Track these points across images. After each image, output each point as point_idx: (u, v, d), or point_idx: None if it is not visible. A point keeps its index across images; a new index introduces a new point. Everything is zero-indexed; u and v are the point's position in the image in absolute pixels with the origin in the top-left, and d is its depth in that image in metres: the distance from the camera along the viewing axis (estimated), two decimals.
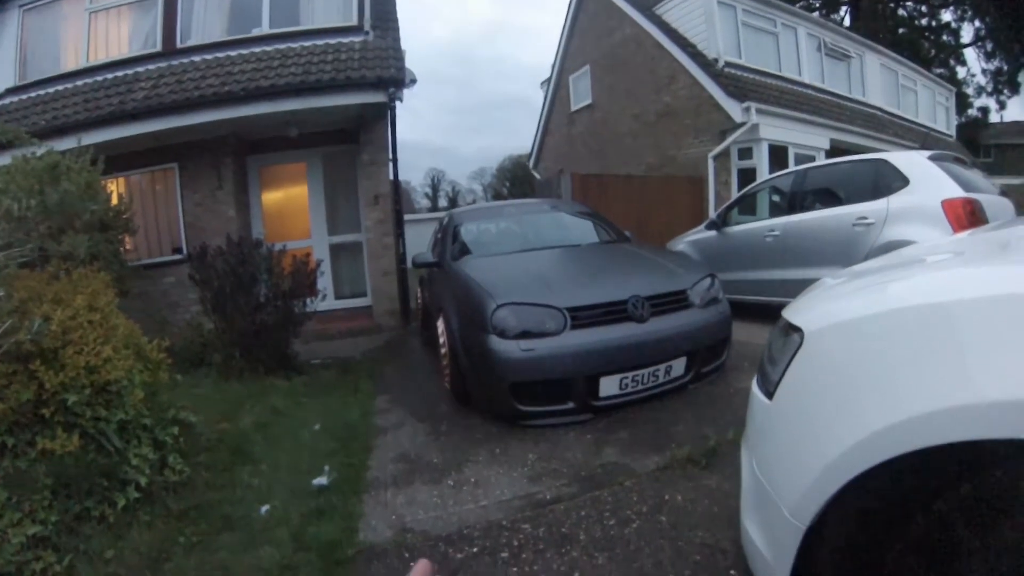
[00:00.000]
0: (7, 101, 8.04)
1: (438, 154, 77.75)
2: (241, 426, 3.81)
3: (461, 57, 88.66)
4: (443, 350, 4.32)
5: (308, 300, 5.43)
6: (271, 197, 8.73)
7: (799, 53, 12.27)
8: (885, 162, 5.15)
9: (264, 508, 2.77)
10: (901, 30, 25.21)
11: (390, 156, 7.84)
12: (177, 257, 7.51)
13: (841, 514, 1.15)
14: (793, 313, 1.47)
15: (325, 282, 6.07)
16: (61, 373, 2.69)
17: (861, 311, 1.26)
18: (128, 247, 6.54)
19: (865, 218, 4.97)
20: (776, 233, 5.87)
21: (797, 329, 1.37)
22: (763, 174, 9.34)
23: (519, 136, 73.59)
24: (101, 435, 2.77)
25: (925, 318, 1.06)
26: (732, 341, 4.12)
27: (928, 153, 5.26)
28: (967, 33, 25.50)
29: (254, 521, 2.67)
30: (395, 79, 7.05)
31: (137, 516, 2.70)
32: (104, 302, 3.13)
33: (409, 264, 6.85)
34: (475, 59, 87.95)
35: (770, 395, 1.43)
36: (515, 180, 36.50)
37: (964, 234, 2.23)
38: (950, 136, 17.97)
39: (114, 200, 6.31)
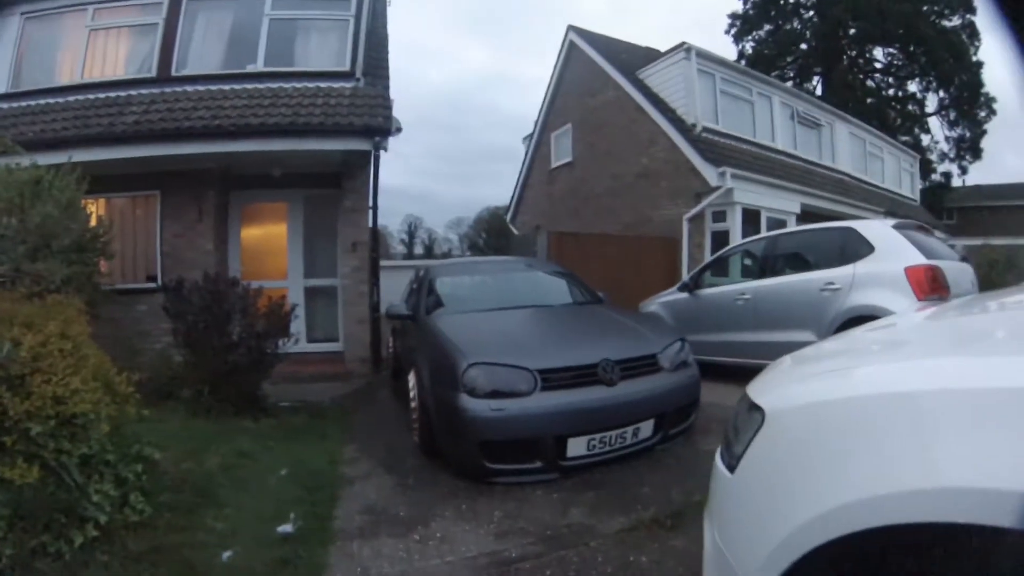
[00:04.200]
0: None
1: (418, 200, 77.92)
2: (207, 466, 3.74)
3: (452, 104, 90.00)
4: (413, 404, 4.33)
5: (281, 342, 5.41)
6: (250, 234, 8.68)
7: (773, 120, 12.77)
8: (852, 230, 5.39)
9: (227, 554, 2.72)
10: (869, 100, 26.67)
11: (371, 204, 7.93)
12: (151, 286, 7.40)
13: None
14: (756, 392, 1.53)
15: (298, 325, 6.06)
16: (27, 401, 2.64)
17: (822, 395, 1.32)
18: (103, 271, 6.45)
19: (832, 283, 5.16)
20: (747, 296, 6.02)
21: (759, 409, 1.43)
22: (736, 237, 9.61)
23: (501, 187, 73.95)
24: (63, 468, 2.71)
25: (885, 406, 1.12)
26: (701, 403, 4.18)
27: (892, 222, 5.49)
28: (931, 103, 27.21)
29: (216, 567, 2.63)
30: (381, 128, 7.19)
31: (94, 556, 2.63)
32: (76, 331, 3.10)
33: (383, 312, 6.85)
34: (465, 107, 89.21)
35: (732, 469, 1.48)
36: (491, 232, 36.52)
37: (923, 315, 2.32)
38: (914, 200, 18.79)
39: (93, 221, 6.26)
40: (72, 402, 2.74)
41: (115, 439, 3.02)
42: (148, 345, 6.66)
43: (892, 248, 5.01)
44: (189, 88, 7.76)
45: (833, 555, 1.09)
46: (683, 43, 11.37)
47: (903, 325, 2.05)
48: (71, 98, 7.83)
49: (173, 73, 7.95)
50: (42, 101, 7.87)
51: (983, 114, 25.91)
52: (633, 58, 13.29)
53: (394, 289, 7.84)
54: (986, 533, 0.88)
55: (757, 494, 1.38)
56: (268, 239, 8.82)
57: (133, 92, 7.76)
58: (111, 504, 2.80)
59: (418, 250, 47.49)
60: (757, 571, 1.25)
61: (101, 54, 8.25)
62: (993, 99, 25.38)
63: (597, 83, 13.31)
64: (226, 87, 7.72)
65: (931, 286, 4.65)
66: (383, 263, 9.33)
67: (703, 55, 11.44)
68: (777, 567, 1.18)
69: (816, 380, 1.49)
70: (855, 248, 5.20)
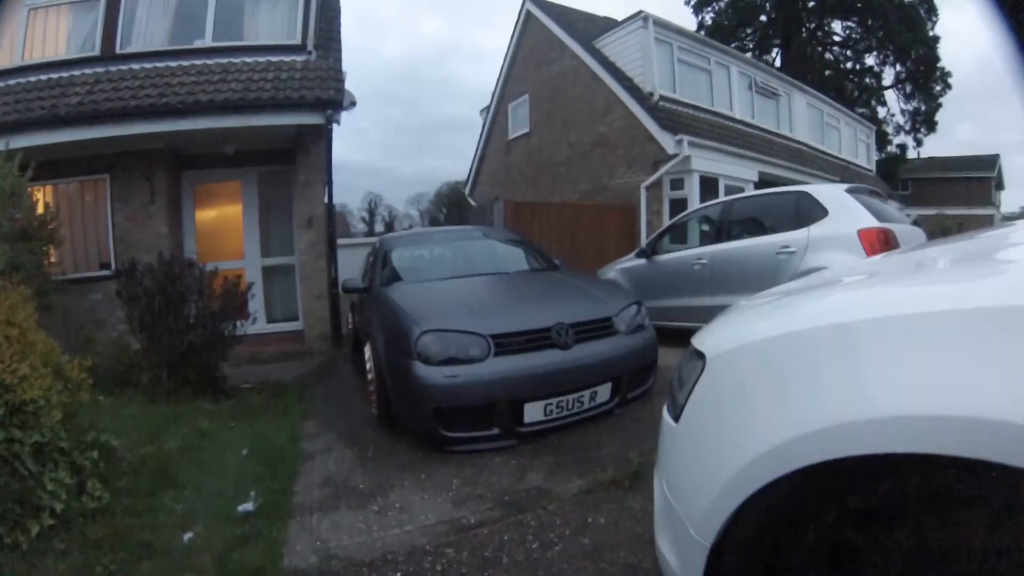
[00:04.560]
0: None
1: (378, 176, 77.00)
2: (166, 449, 3.72)
3: (410, 77, 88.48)
4: (370, 375, 4.34)
5: (239, 323, 5.35)
6: (205, 215, 8.53)
7: (731, 90, 12.90)
8: (806, 194, 5.46)
9: (187, 535, 2.72)
10: (828, 72, 27.20)
11: (326, 178, 7.84)
12: (104, 273, 7.20)
13: (741, 530, 1.19)
14: (698, 339, 1.54)
15: (257, 305, 5.99)
16: None
17: (760, 334, 1.31)
18: (53, 259, 6.26)
19: (788, 247, 5.23)
20: (704, 261, 6.09)
21: (701, 355, 1.42)
22: (694, 204, 9.67)
23: (461, 160, 73.04)
24: (15, 458, 2.67)
25: (823, 338, 1.12)
26: (660, 367, 4.23)
27: (845, 186, 5.58)
28: (888, 76, 27.81)
29: (176, 549, 2.62)
30: (333, 101, 7.12)
31: (52, 544, 2.61)
32: (22, 316, 3.03)
33: (340, 289, 6.83)
34: (423, 79, 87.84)
35: (676, 418, 1.47)
36: (452, 206, 36.46)
37: (878, 257, 2.33)
38: (870, 171, 19.25)
39: (39, 209, 6.07)
40: (21, 389, 2.69)
41: (69, 427, 2.99)
42: (104, 334, 6.53)
43: (845, 211, 5.09)
44: (135, 66, 7.51)
45: (780, 493, 1.10)
46: (640, 12, 11.36)
47: (860, 265, 2.08)
48: (11, 81, 7.51)
49: (117, 51, 7.68)
50: None
51: (938, 88, 26.78)
52: (590, 27, 13.28)
53: (356, 266, 7.81)
54: (928, 461, 0.89)
55: (700, 441, 1.38)
56: (223, 219, 8.66)
57: (76, 72, 7.49)
58: (67, 492, 2.78)
59: (379, 227, 47.11)
60: (703, 517, 1.25)
61: (41, 34, 7.90)
62: (948, 73, 26.25)
63: (554, 52, 13.27)
64: (174, 63, 7.51)
65: (883, 248, 4.72)
66: (343, 240, 9.28)
67: (660, 24, 11.45)
68: (723, 512, 1.19)
69: (753, 320, 1.50)
70: (809, 212, 5.27)
